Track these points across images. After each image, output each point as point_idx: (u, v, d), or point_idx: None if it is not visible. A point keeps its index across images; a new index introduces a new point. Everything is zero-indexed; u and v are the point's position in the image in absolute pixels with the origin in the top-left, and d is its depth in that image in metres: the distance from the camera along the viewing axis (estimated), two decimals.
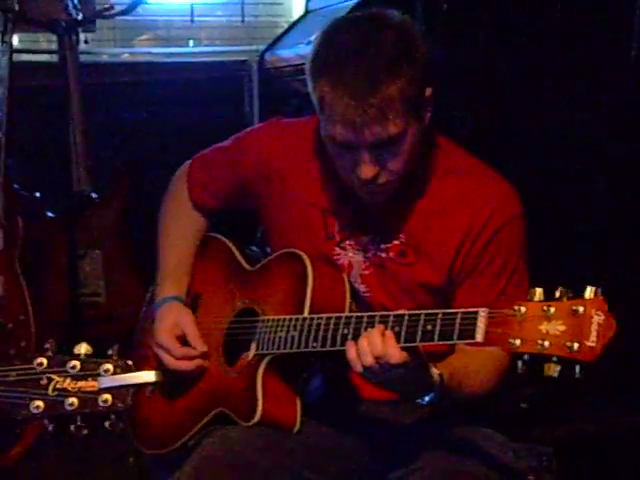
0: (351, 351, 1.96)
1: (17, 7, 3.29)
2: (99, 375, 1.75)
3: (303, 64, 2.15)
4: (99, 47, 4.53)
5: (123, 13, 3.64)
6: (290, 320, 2.14)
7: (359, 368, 1.95)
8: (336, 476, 2.20)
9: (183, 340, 2.29)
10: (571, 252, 3.33)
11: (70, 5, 3.39)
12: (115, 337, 2.52)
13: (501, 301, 2.10)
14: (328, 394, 2.26)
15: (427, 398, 2.01)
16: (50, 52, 3.83)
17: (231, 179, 2.38)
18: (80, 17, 3.43)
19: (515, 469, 2.16)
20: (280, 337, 2.15)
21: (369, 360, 1.93)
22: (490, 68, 3.48)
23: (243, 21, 4.72)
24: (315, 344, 2.09)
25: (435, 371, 2.00)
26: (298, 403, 2.19)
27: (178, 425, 2.28)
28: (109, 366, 1.75)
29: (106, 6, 3.64)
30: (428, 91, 2.10)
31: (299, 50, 3.77)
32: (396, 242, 2.22)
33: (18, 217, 3.33)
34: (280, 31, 4.45)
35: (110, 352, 1.77)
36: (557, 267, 2.99)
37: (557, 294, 1.75)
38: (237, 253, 2.39)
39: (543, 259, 2.38)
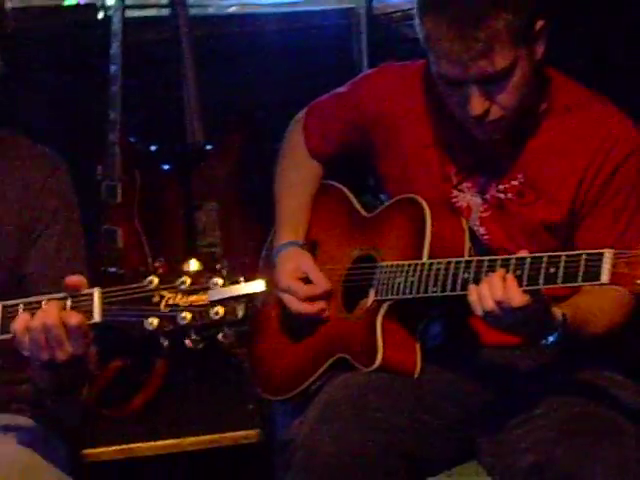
0: (473, 294, 1.94)
1: None
2: (209, 289, 1.75)
3: (412, 9, 2.13)
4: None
5: None
6: (409, 265, 2.14)
7: (480, 312, 1.93)
8: (455, 420, 2.19)
9: (307, 281, 2.30)
10: None
11: None
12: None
13: (625, 239, 2.07)
14: (448, 340, 2.25)
15: (551, 338, 1.97)
16: (161, 6, 3.84)
17: (347, 125, 2.37)
18: None
19: None
20: (399, 283, 2.14)
21: (490, 304, 1.91)
22: None
23: None
24: (435, 289, 2.08)
25: (558, 311, 1.97)
26: (418, 349, 2.19)
27: (299, 371, 2.30)
28: (218, 279, 1.75)
29: None
30: (539, 24, 2.06)
31: None
32: (514, 182, 2.19)
33: (135, 170, 3.37)
34: None
35: (219, 266, 1.78)
36: None
37: None
38: (354, 200, 2.39)
39: None
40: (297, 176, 2.45)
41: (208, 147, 3.53)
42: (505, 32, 1.98)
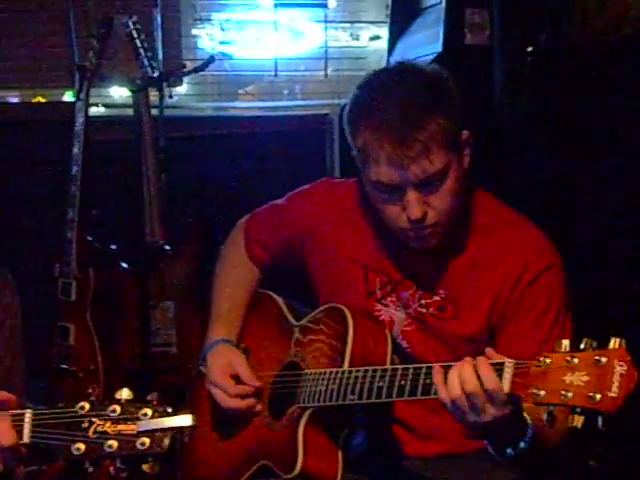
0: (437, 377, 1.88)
1: (94, 65, 3.41)
2: (138, 419, 1.78)
3: None
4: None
5: (195, 71, 3.71)
6: (330, 373, 2.15)
7: (447, 400, 1.86)
8: None
9: (237, 380, 2.33)
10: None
11: (146, 62, 3.47)
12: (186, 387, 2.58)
13: (547, 347, 2.07)
14: (372, 450, 2.25)
15: (522, 444, 1.88)
16: (123, 106, 3.94)
17: (281, 237, 2.43)
18: (156, 74, 3.50)
19: None
20: (320, 390, 2.16)
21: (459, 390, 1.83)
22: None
23: (326, 75, 4.76)
24: (353, 397, 2.09)
25: (526, 415, 1.89)
26: (339, 457, 2.18)
27: (224, 478, 2.31)
28: (148, 410, 1.78)
29: (183, 63, 3.73)
30: (465, 134, 2.13)
31: None
32: (436, 297, 2.22)
33: (90, 269, 3.41)
34: None
35: (150, 398, 1.81)
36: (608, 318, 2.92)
37: (582, 345, 1.73)
38: (285, 308, 2.43)
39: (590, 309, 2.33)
40: (235, 276, 2.50)
41: (167, 247, 3.57)
42: (440, 135, 2.04)
